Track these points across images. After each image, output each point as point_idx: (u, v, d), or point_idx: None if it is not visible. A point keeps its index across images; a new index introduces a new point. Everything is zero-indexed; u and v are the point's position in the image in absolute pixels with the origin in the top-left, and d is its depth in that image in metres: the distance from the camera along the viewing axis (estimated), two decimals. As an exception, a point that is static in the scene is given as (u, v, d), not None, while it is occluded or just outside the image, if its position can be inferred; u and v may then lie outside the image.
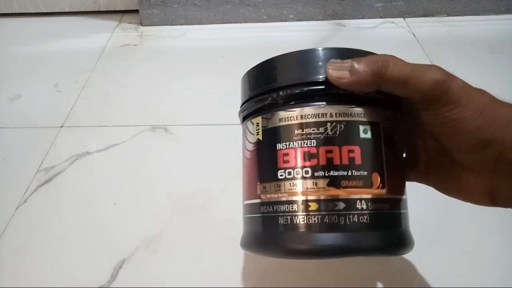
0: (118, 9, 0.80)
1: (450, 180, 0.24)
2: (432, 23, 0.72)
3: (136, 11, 0.76)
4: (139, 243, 0.38)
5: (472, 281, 0.34)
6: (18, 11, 0.81)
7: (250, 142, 0.25)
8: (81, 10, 0.81)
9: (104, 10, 0.80)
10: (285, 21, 0.74)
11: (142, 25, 0.76)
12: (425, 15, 0.74)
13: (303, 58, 0.24)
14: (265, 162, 0.24)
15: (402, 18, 0.74)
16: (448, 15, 0.74)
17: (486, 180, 0.22)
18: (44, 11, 0.81)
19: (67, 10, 0.80)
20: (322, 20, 0.74)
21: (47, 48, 0.71)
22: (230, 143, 0.49)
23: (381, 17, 0.74)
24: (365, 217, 0.21)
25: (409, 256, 0.36)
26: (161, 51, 0.69)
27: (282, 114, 0.23)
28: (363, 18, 0.74)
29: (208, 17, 0.75)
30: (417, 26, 0.71)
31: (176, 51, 0.68)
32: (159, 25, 0.76)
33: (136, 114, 0.55)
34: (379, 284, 0.34)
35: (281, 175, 0.23)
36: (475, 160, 0.22)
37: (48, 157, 0.49)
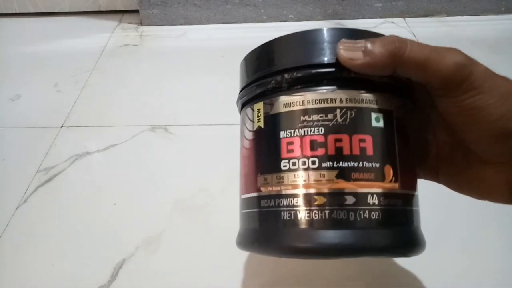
0: (118, 9, 0.80)
1: (465, 176, 0.23)
2: (432, 23, 0.72)
3: (136, 11, 0.76)
4: (139, 243, 0.38)
5: (472, 281, 0.34)
6: (18, 11, 0.81)
7: (249, 131, 0.23)
8: (81, 10, 0.80)
9: (104, 10, 0.80)
10: (285, 21, 0.74)
11: (142, 25, 0.76)
12: (425, 15, 0.74)
13: (310, 38, 0.22)
14: (266, 152, 0.22)
15: (402, 18, 0.74)
16: (448, 15, 0.74)
17: (507, 175, 0.21)
18: (44, 11, 0.81)
19: (67, 10, 0.80)
20: (322, 20, 0.74)
21: (47, 48, 0.71)
22: (230, 143, 0.49)
23: (381, 17, 0.74)
24: (377, 213, 0.20)
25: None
26: (161, 51, 0.69)
27: (287, 99, 0.21)
28: (363, 18, 0.74)
29: (208, 17, 0.75)
30: (417, 26, 0.71)
31: (176, 51, 0.68)
32: (159, 25, 0.76)
33: (136, 114, 0.55)
34: (379, 284, 0.34)
35: (285, 166, 0.21)
36: (496, 153, 0.20)
37: (48, 157, 0.49)
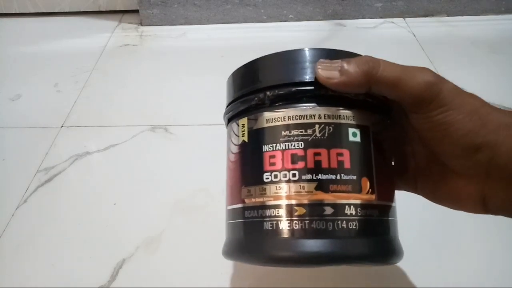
0: (118, 9, 0.80)
1: (440, 187, 0.24)
2: (432, 23, 0.72)
3: (136, 11, 0.76)
4: (139, 243, 0.38)
5: (472, 281, 0.34)
6: (18, 11, 0.81)
7: (235, 145, 0.25)
8: (81, 10, 0.81)
9: (104, 10, 0.80)
10: (285, 21, 0.74)
11: (142, 25, 0.76)
12: (425, 15, 0.74)
13: (291, 58, 0.23)
14: (250, 165, 0.23)
15: (402, 18, 0.74)
16: (448, 15, 0.74)
17: (477, 186, 0.22)
18: (44, 11, 0.81)
19: (67, 10, 0.81)
20: (322, 20, 0.74)
21: (47, 48, 0.71)
22: (230, 143, 0.49)
23: (381, 17, 0.74)
24: (354, 223, 0.21)
25: (410, 256, 0.36)
26: (161, 51, 0.69)
27: (269, 115, 0.23)
28: (363, 18, 0.74)
29: (208, 17, 0.75)
30: (417, 26, 0.71)
31: (176, 51, 0.68)
32: (159, 25, 0.76)
33: (136, 114, 0.55)
34: (378, 284, 0.34)
35: (267, 178, 0.22)
36: (466, 166, 0.21)
37: (48, 157, 0.49)
